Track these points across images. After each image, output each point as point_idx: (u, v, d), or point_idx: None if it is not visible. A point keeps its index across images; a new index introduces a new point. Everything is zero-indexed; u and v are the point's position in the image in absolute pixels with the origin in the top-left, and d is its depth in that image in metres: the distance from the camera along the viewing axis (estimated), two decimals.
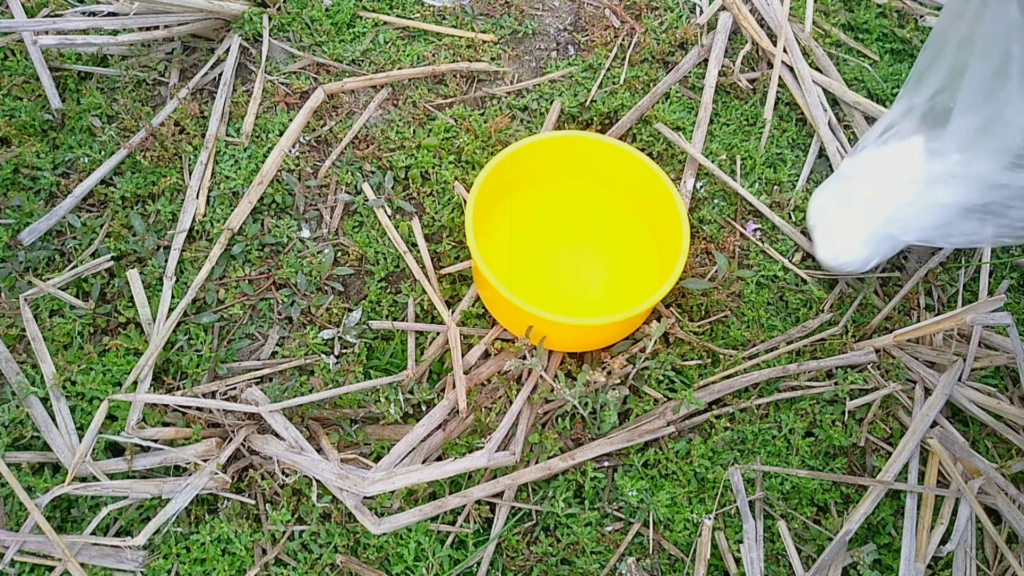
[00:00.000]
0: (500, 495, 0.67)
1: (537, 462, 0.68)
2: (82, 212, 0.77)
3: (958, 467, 0.68)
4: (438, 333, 0.73)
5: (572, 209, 0.78)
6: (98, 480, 0.64)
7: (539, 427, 0.70)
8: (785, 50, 0.90)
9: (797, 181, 0.84)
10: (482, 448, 0.66)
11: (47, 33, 0.83)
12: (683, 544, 0.66)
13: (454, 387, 0.69)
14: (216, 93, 0.84)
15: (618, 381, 0.70)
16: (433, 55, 0.89)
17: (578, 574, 0.65)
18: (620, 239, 0.77)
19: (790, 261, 0.79)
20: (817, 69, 0.91)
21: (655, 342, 0.69)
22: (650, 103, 0.86)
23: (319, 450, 0.67)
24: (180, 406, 0.68)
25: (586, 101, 0.86)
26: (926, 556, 0.65)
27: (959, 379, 0.72)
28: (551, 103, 0.86)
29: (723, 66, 0.90)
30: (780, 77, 0.89)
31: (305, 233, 0.78)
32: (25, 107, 0.81)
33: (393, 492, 0.65)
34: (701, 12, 0.94)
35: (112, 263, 0.74)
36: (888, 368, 0.73)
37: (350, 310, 0.74)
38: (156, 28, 0.86)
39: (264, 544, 0.65)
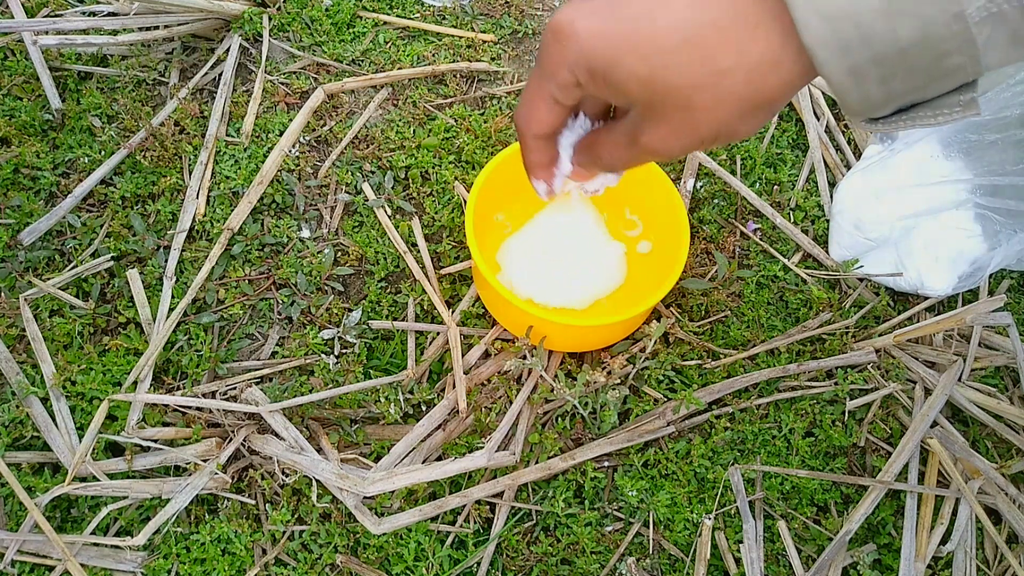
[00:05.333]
0: (500, 495, 0.67)
1: (537, 462, 0.68)
2: (82, 212, 0.77)
3: (958, 467, 0.68)
4: (438, 333, 0.73)
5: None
6: (98, 480, 0.64)
7: (539, 427, 0.70)
8: None
9: (797, 181, 0.84)
10: (482, 448, 0.66)
11: (47, 33, 0.83)
12: (683, 544, 0.66)
13: (454, 387, 0.69)
14: (216, 93, 0.84)
15: (618, 381, 0.70)
16: (433, 55, 0.89)
17: (578, 574, 0.65)
18: (619, 239, 0.77)
19: (790, 261, 0.79)
20: None
21: (655, 342, 0.69)
22: None
23: (319, 450, 0.67)
24: (180, 406, 0.68)
25: None
26: (926, 556, 0.65)
27: (959, 379, 0.72)
28: None
29: None
30: None
31: (305, 233, 0.78)
32: (25, 107, 0.81)
33: (393, 492, 0.65)
34: None
35: (112, 263, 0.74)
36: (888, 368, 0.73)
37: (350, 310, 0.74)
38: (156, 28, 0.86)
39: (264, 544, 0.65)
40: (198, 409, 0.68)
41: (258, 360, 0.72)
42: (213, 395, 0.69)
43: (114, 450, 0.67)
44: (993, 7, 0.37)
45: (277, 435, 0.66)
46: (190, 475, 0.65)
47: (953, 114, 0.44)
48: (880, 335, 0.75)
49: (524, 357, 0.67)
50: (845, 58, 0.41)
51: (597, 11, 0.42)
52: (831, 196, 0.82)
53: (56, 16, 0.86)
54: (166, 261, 0.74)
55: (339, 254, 0.77)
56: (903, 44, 0.40)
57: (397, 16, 0.91)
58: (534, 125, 0.48)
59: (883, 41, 0.41)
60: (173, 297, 0.72)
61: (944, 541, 0.66)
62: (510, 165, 0.72)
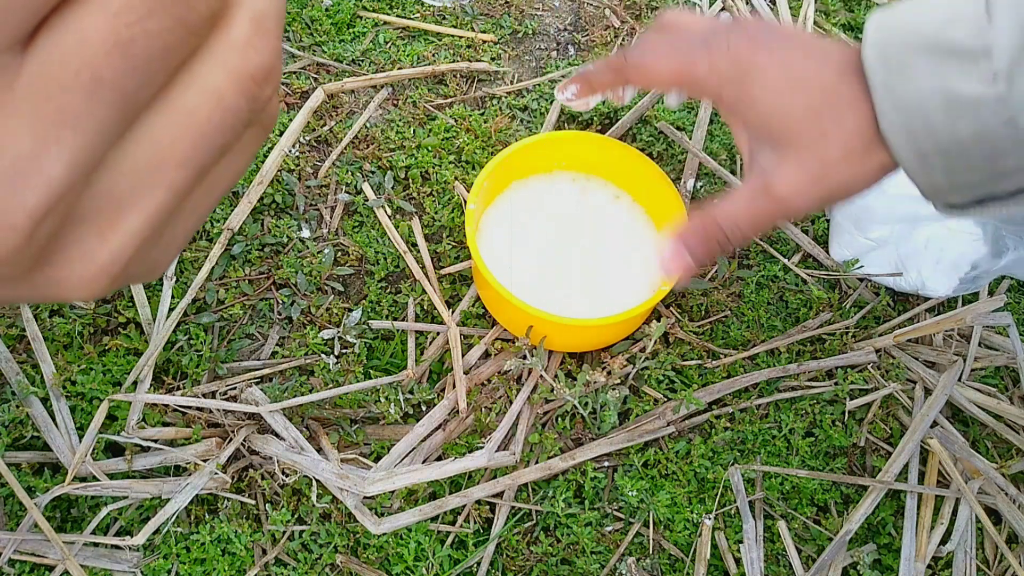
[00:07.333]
0: (500, 495, 0.67)
1: (537, 462, 0.68)
2: None
3: (958, 467, 0.68)
4: (438, 333, 0.73)
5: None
6: (98, 480, 0.64)
7: (539, 427, 0.70)
8: None
9: None
10: (482, 448, 0.66)
11: None
12: (683, 544, 0.66)
13: (454, 387, 0.69)
14: None
15: (618, 381, 0.70)
16: (433, 55, 0.89)
17: (578, 574, 0.65)
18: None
19: (790, 261, 0.79)
20: None
21: (655, 342, 0.69)
22: (650, 103, 0.86)
23: (319, 450, 0.67)
24: (180, 406, 0.68)
25: None
26: (926, 556, 0.65)
27: (959, 379, 0.72)
28: (551, 103, 0.86)
29: None
30: None
31: (305, 233, 0.78)
32: None
33: (393, 492, 0.65)
34: (702, 13, 0.94)
35: None
36: (888, 368, 0.73)
37: (350, 310, 0.74)
38: None
39: (264, 544, 0.65)
40: (198, 409, 0.68)
41: (258, 360, 0.72)
42: (213, 395, 0.69)
43: (114, 450, 0.67)
44: None
45: (277, 435, 0.66)
46: (190, 475, 0.65)
47: (1022, 210, 0.48)
48: (880, 335, 0.75)
49: (524, 357, 0.67)
50: (914, 145, 0.47)
51: (757, 37, 0.50)
52: None
53: None
54: None
55: (339, 254, 0.77)
56: (961, 139, 0.45)
57: (397, 16, 0.91)
58: (648, 60, 0.52)
59: (945, 135, 0.46)
60: (173, 297, 0.72)
61: (944, 541, 0.66)
62: (510, 164, 0.72)
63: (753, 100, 0.50)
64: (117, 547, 0.63)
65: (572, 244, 0.76)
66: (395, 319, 0.74)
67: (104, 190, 0.17)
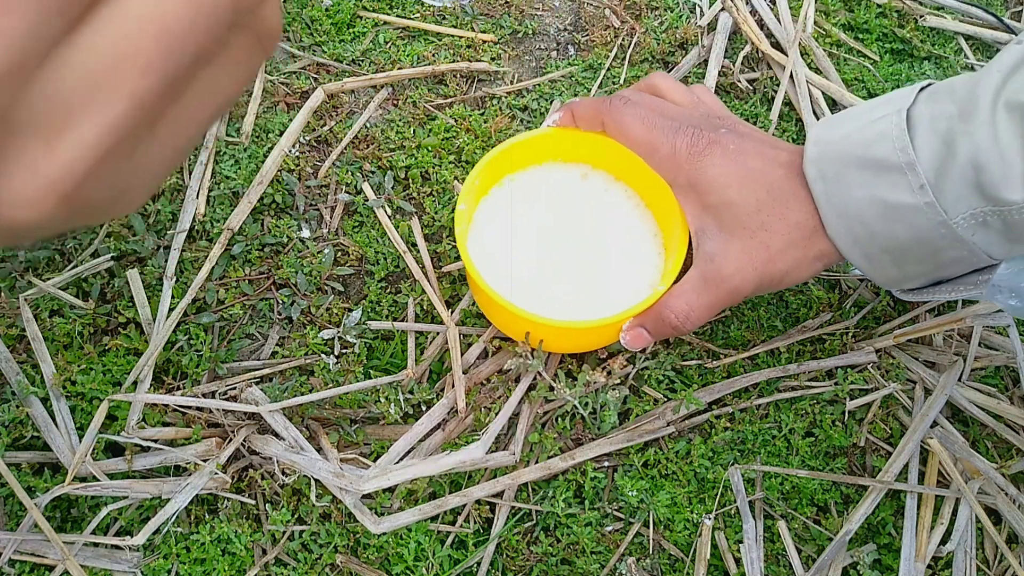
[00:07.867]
0: (500, 495, 0.67)
1: (537, 462, 0.68)
2: None
3: (958, 467, 0.68)
4: (438, 333, 0.73)
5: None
6: (98, 480, 0.64)
7: (539, 427, 0.70)
8: (785, 53, 0.90)
9: None
10: (478, 441, 0.66)
11: None
12: (683, 544, 0.66)
13: (453, 387, 0.69)
14: None
15: (618, 381, 0.70)
16: (433, 55, 0.89)
17: (578, 574, 0.65)
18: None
19: None
20: (816, 70, 0.91)
21: (655, 342, 0.69)
22: None
23: (319, 450, 0.67)
24: (180, 406, 0.68)
25: None
26: (926, 556, 0.65)
27: (959, 379, 0.72)
28: (551, 103, 0.86)
29: (723, 66, 0.90)
30: (778, 77, 0.89)
31: (305, 233, 0.78)
32: None
33: (393, 491, 0.65)
34: (702, 14, 0.94)
35: (112, 263, 0.74)
36: (888, 368, 0.73)
37: (350, 310, 0.74)
38: None
39: (264, 544, 0.65)
40: (198, 409, 0.68)
41: (258, 360, 0.72)
42: (213, 395, 0.69)
43: (114, 450, 0.67)
44: (978, 217, 0.45)
45: (277, 435, 0.66)
46: (190, 475, 0.65)
47: (972, 291, 0.52)
48: (880, 335, 0.75)
49: (524, 358, 0.67)
50: (859, 247, 0.51)
51: (727, 150, 0.57)
52: None
53: None
54: (166, 261, 0.74)
55: (339, 254, 0.77)
56: (901, 241, 0.49)
57: (397, 16, 0.91)
58: (624, 123, 0.61)
59: (886, 238, 0.50)
60: (173, 297, 0.72)
61: (944, 541, 0.66)
62: (502, 161, 0.72)
63: (706, 189, 0.56)
64: (117, 547, 0.63)
65: (569, 241, 0.76)
66: (395, 319, 0.74)
67: (51, 93, 0.15)
